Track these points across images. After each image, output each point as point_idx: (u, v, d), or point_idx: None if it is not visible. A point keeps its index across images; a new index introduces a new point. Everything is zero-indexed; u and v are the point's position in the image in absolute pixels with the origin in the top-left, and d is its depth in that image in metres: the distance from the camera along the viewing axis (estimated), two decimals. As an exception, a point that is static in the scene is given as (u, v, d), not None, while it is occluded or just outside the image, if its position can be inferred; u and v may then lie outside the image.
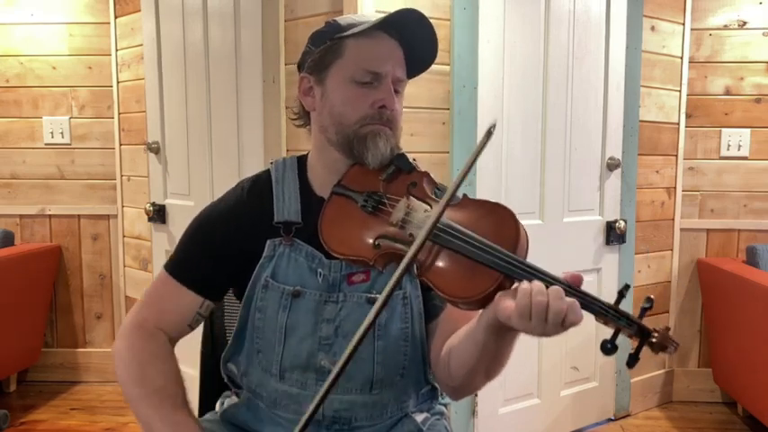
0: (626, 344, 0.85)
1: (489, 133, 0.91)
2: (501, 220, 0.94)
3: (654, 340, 0.83)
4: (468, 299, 0.89)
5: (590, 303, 0.84)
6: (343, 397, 1.10)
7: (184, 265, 1.15)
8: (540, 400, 2.51)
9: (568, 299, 0.83)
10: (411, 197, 1.03)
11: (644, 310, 0.85)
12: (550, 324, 0.82)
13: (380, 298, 0.87)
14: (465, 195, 1.02)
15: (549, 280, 0.85)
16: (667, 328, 0.84)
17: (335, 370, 0.86)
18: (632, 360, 0.84)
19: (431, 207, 0.99)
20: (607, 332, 0.86)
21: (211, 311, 1.36)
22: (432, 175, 1.09)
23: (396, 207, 1.02)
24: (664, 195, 2.83)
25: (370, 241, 1.00)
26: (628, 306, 2.69)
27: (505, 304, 0.85)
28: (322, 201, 1.10)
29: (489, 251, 0.89)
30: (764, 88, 2.86)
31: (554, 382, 2.54)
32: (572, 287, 0.85)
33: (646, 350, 0.85)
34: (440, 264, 0.93)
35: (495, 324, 0.89)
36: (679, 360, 2.96)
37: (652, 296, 0.88)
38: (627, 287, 0.86)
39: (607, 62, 2.53)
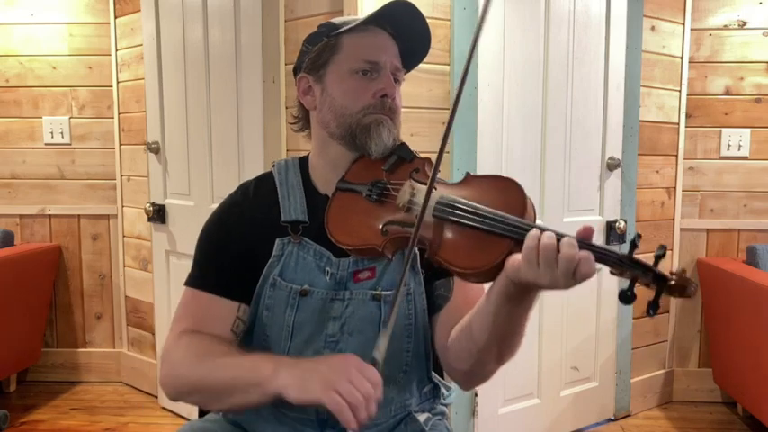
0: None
1: None
2: (506, 189, 0.95)
3: (672, 283, 0.81)
4: (480, 269, 0.89)
5: (604, 255, 0.83)
6: None
7: (209, 276, 1.13)
8: (540, 400, 2.51)
9: (582, 252, 0.82)
10: (415, 183, 1.03)
11: (657, 258, 0.84)
12: (560, 271, 0.81)
13: (406, 264, 0.89)
14: (468, 173, 1.02)
15: (560, 235, 0.85)
16: (683, 270, 0.82)
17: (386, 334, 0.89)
18: (653, 307, 0.82)
19: (435, 188, 0.99)
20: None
21: None
22: (433, 161, 1.08)
23: (401, 191, 1.02)
24: (664, 195, 2.83)
25: (378, 228, 1.00)
26: (627, 313, 2.69)
27: (514, 257, 0.85)
28: (326, 199, 1.10)
29: (497, 219, 0.89)
30: (764, 88, 2.86)
31: (554, 382, 2.54)
32: (584, 241, 0.84)
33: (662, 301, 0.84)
34: (449, 240, 0.93)
35: (508, 290, 0.89)
36: (679, 360, 2.96)
37: (665, 244, 0.87)
38: (639, 236, 0.85)
39: (607, 62, 2.53)
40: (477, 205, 0.92)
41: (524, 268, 0.83)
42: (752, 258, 2.69)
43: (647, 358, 2.83)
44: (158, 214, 2.70)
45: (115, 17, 2.94)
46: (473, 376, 1.09)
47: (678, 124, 2.84)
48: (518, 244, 0.86)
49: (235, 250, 1.13)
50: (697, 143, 2.88)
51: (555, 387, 2.55)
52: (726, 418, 2.81)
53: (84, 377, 3.13)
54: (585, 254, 0.82)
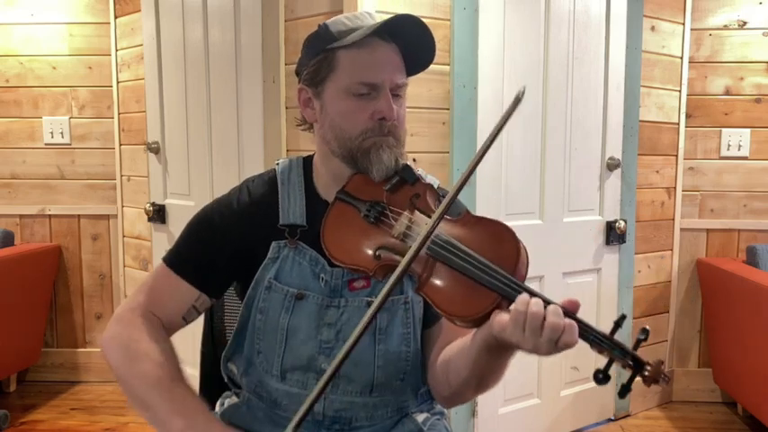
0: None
1: (518, 100, 0.89)
2: (502, 239, 0.94)
3: (647, 373, 0.83)
4: (465, 317, 0.90)
5: (585, 332, 0.84)
6: (344, 398, 1.10)
7: (183, 258, 1.14)
8: (540, 400, 2.51)
9: (567, 320, 0.83)
10: (414, 210, 1.03)
11: (639, 342, 0.84)
12: (544, 339, 0.82)
13: (371, 308, 0.88)
14: (468, 211, 1.01)
15: (547, 301, 0.85)
16: (661, 362, 0.84)
17: (327, 372, 0.86)
18: (624, 391, 0.84)
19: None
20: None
21: (211, 310, 1.35)
22: (436, 187, 1.08)
23: (398, 220, 1.02)
24: (664, 195, 2.83)
25: (371, 252, 1.01)
26: (627, 314, 2.69)
27: (501, 317, 0.86)
28: (327, 204, 1.10)
29: (488, 271, 0.89)
30: (764, 88, 2.86)
31: (554, 382, 2.54)
32: (569, 312, 0.84)
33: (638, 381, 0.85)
34: (438, 280, 0.93)
35: (489, 342, 0.90)
36: (679, 360, 2.96)
37: (648, 327, 0.86)
38: (623, 317, 0.85)
39: (607, 62, 2.53)
40: (471, 252, 0.91)
41: (510, 330, 0.84)
42: (752, 258, 2.69)
43: (646, 358, 2.82)
44: (158, 214, 2.70)
45: (115, 17, 2.94)
46: (453, 400, 1.12)
47: (678, 124, 2.84)
48: (504, 300, 0.87)
49: (227, 250, 1.12)
50: (697, 143, 2.88)
51: (555, 387, 2.55)
52: (726, 418, 2.81)
53: (84, 377, 3.13)
54: (570, 323, 0.82)
